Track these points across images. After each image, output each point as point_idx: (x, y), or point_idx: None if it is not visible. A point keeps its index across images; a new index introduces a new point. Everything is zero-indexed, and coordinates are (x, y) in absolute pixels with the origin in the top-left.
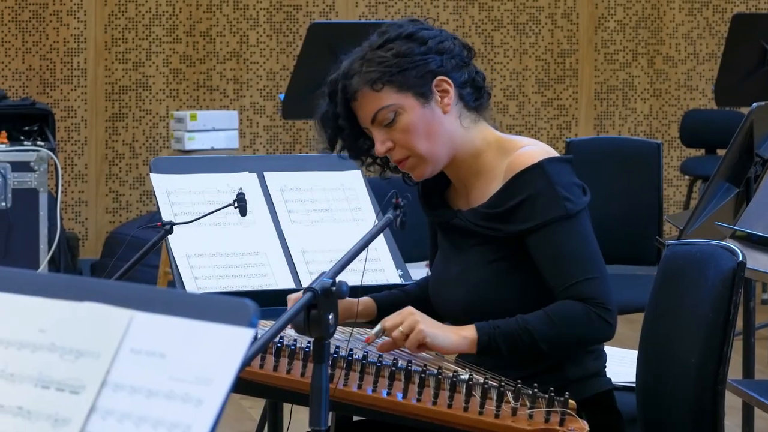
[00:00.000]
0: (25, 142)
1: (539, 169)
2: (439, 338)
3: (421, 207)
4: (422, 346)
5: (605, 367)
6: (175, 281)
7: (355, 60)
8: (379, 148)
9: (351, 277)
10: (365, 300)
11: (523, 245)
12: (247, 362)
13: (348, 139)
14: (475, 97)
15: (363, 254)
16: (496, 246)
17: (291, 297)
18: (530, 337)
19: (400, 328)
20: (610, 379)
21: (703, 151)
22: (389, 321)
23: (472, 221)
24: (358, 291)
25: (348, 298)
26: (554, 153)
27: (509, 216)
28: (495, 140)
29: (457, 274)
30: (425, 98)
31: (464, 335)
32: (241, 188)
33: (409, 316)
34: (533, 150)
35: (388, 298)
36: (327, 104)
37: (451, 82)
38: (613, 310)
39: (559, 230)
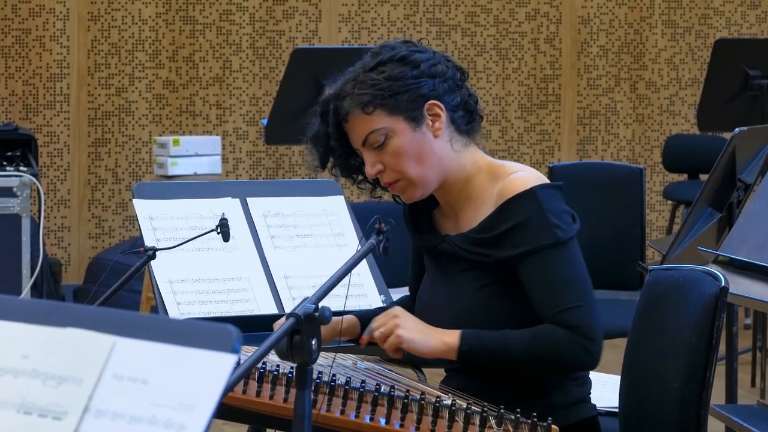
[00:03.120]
0: (8, 168)
1: (531, 195)
2: (418, 344)
3: (407, 230)
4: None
5: (590, 393)
6: (157, 307)
7: (348, 81)
8: (369, 170)
9: (334, 302)
10: (349, 318)
11: (512, 271)
12: (229, 388)
13: (339, 159)
14: (467, 120)
15: (346, 279)
16: (485, 271)
17: (277, 324)
18: (508, 355)
19: (381, 329)
20: (594, 405)
21: (685, 176)
22: (376, 321)
23: (461, 246)
24: (341, 317)
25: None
26: (545, 179)
27: (500, 241)
28: (486, 165)
29: (446, 299)
30: (416, 122)
31: (446, 341)
32: (224, 213)
33: (390, 320)
34: (525, 176)
35: (371, 315)
36: (319, 124)
37: (442, 106)
38: (596, 340)
39: (549, 257)
